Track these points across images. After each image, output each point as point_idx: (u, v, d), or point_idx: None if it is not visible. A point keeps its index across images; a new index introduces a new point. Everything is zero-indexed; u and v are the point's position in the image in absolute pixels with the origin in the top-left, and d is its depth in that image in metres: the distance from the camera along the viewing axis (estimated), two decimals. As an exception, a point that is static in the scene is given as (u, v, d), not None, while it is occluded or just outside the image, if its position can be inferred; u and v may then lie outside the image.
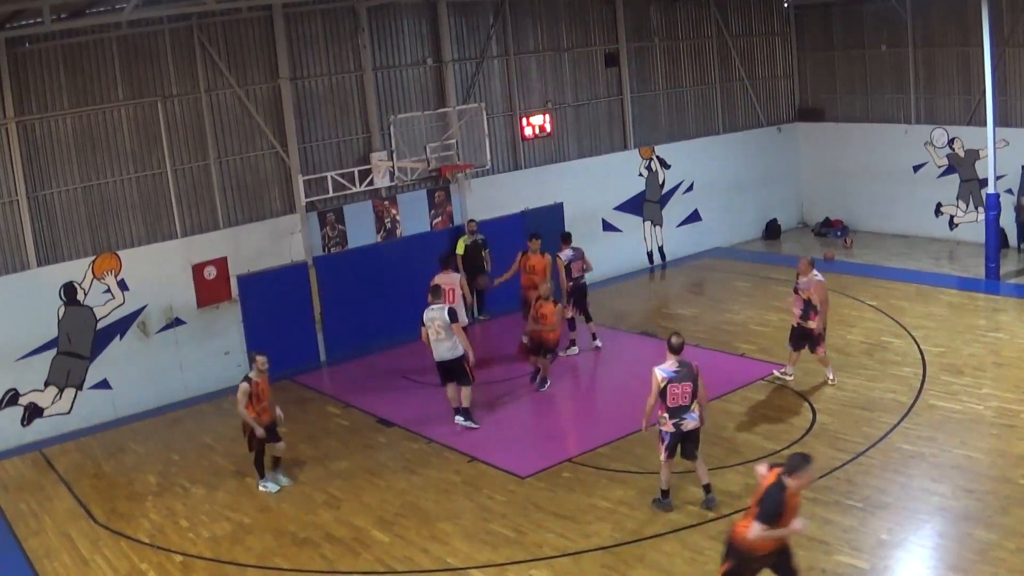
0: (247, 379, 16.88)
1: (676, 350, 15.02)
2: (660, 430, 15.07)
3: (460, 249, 25.74)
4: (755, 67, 33.42)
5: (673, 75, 31.36)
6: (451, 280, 22.70)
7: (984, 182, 27.45)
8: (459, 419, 19.47)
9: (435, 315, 18.86)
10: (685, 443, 15.09)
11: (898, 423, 17.64)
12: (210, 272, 22.82)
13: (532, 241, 23.17)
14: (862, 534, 14.04)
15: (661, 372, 14.89)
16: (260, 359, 16.98)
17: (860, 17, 32.17)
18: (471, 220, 26.22)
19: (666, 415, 14.86)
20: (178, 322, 22.52)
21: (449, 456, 18.28)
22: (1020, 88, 28.42)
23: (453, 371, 19.25)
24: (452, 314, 18.92)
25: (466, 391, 19.39)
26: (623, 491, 16.19)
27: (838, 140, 33.18)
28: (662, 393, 14.79)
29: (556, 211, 28.23)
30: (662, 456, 15.11)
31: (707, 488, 15.33)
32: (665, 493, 15.36)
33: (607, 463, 17.30)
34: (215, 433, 20.62)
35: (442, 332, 18.83)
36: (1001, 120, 26.92)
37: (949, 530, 13.97)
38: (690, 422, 14.93)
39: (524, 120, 27.80)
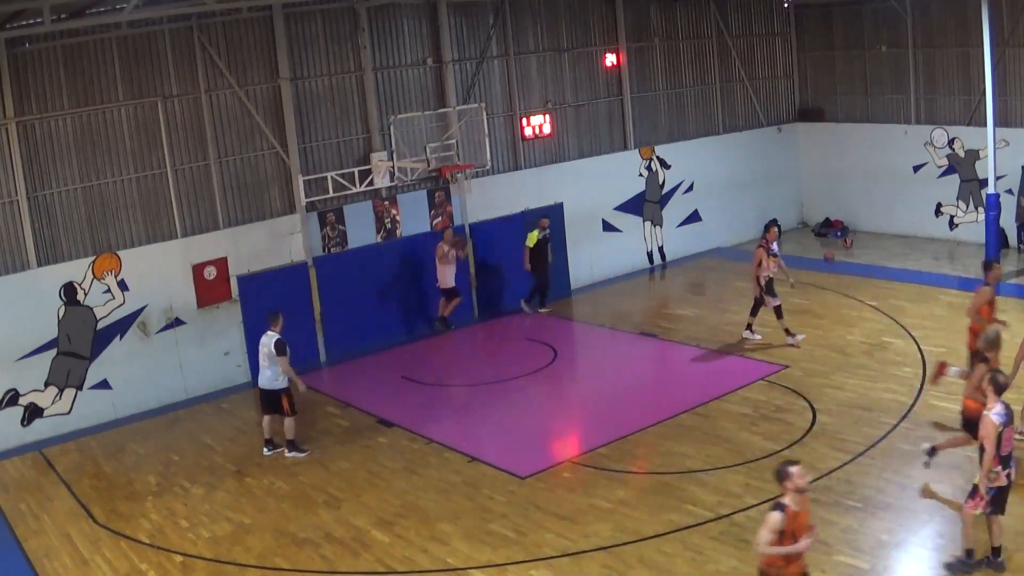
0: (780, 507, 10.65)
1: (1003, 389, 12.78)
2: (987, 487, 12.57)
3: (531, 242, 26.32)
4: (755, 67, 33.43)
5: (673, 75, 31.36)
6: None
7: (984, 182, 27.49)
8: (287, 452, 18.97)
9: (264, 341, 18.69)
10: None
11: (898, 423, 17.64)
12: (210, 272, 22.81)
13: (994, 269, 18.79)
14: (862, 535, 14.03)
15: (996, 417, 12.46)
16: (794, 470, 10.70)
17: (860, 17, 32.17)
18: (544, 217, 26.69)
19: (999, 467, 12.48)
20: (178, 322, 22.50)
21: (449, 456, 18.26)
22: (1020, 88, 28.43)
23: (271, 402, 18.92)
24: (279, 345, 18.39)
25: (288, 422, 18.86)
26: (623, 491, 16.17)
27: (838, 140, 33.18)
28: (997, 440, 12.42)
29: (556, 211, 28.21)
30: (980, 510, 12.69)
31: (996, 552, 12.95)
32: (997, 551, 12.89)
33: (607, 463, 17.28)
34: (215, 433, 20.60)
35: (265, 360, 18.68)
36: (1001, 120, 26.98)
37: (949, 530, 13.92)
38: (1013, 470, 12.79)
39: (524, 120, 27.79)
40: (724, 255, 31.45)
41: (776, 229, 22.77)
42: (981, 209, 28.54)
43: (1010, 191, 28.02)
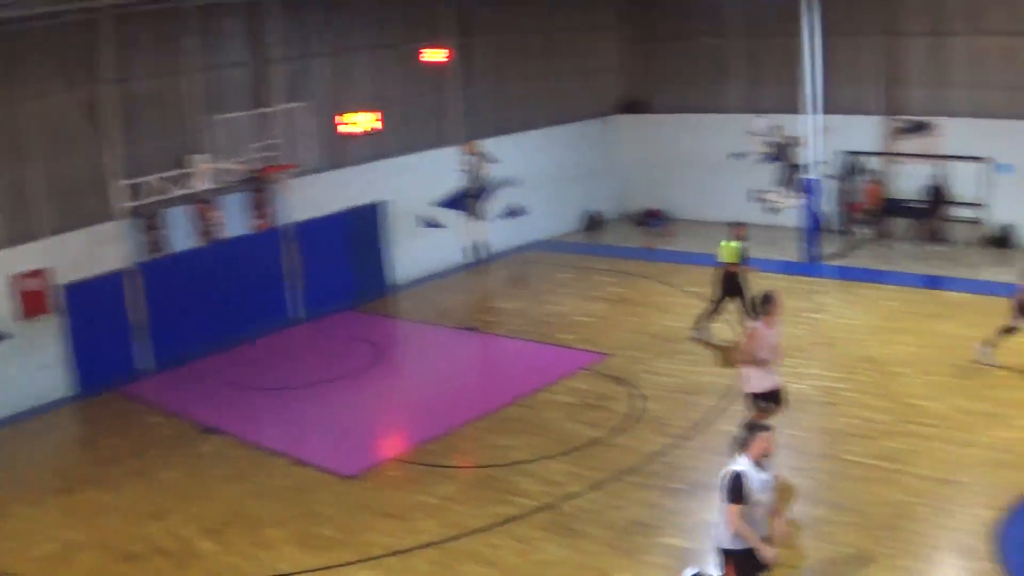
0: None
1: None
2: None
3: (732, 256, 22.38)
4: (580, 60, 33.87)
5: (498, 69, 31.61)
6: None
7: (804, 168, 28.25)
8: None
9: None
10: None
11: (722, 405, 18.09)
12: (30, 283, 22.15)
13: None
14: (687, 516, 14.48)
15: None
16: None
17: (685, 8, 32.83)
18: (741, 224, 22.80)
19: None
20: (-2, 336, 21.85)
21: (275, 461, 18.08)
22: (841, 76, 29.36)
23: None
24: (729, 485, 10.84)
25: None
26: (449, 486, 16.38)
27: (662, 131, 33.92)
28: None
29: (380, 209, 28.20)
30: None
31: None
32: None
33: (433, 459, 17.45)
34: (42, 450, 20.02)
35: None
36: (822, 108, 27.81)
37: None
38: None
39: (348, 118, 27.62)
40: (546, 248, 31.78)
41: None
42: (801, 195, 29.34)
43: (831, 176, 28.89)
